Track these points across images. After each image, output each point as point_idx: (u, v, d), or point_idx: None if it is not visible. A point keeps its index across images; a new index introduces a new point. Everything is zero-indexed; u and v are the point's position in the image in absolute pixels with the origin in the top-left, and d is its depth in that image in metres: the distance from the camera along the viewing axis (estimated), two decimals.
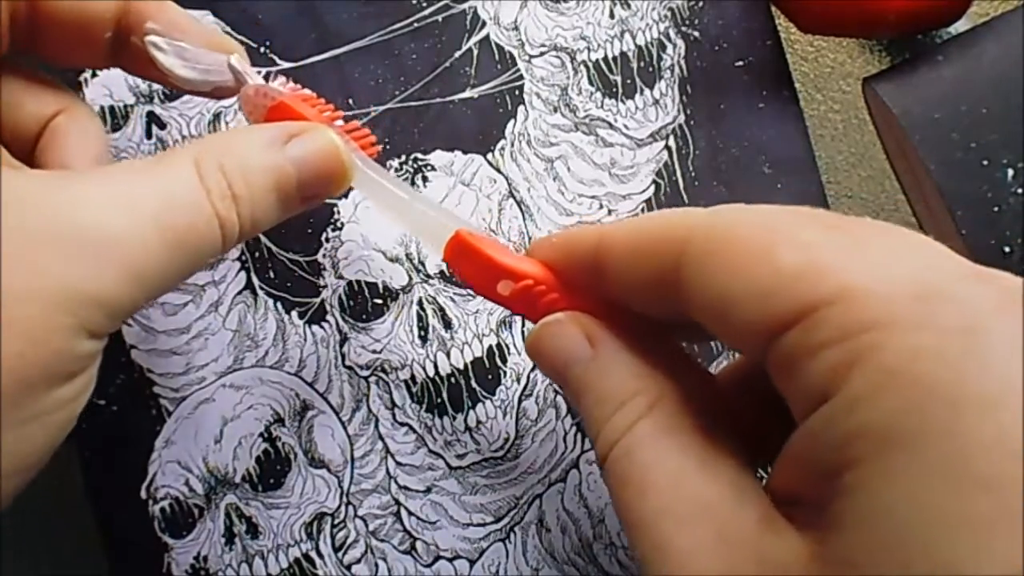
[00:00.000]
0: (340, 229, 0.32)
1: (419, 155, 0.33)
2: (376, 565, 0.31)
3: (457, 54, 0.33)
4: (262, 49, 0.33)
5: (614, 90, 0.33)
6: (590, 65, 0.33)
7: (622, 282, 0.23)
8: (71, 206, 0.22)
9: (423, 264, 0.32)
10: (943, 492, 0.15)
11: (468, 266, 0.26)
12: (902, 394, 0.16)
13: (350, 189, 0.28)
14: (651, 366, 0.22)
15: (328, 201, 0.32)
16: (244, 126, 0.28)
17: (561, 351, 0.24)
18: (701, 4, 0.33)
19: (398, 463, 0.32)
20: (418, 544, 0.31)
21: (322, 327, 0.32)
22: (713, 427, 0.21)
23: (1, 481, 0.21)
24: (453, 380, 0.32)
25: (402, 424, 0.32)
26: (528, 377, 0.32)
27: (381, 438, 0.32)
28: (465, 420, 0.32)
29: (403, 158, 0.33)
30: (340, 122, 0.27)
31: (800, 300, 0.18)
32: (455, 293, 0.32)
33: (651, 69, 0.33)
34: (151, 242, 0.22)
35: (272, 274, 0.32)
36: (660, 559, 0.19)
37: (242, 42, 0.33)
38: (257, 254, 0.32)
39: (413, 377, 0.32)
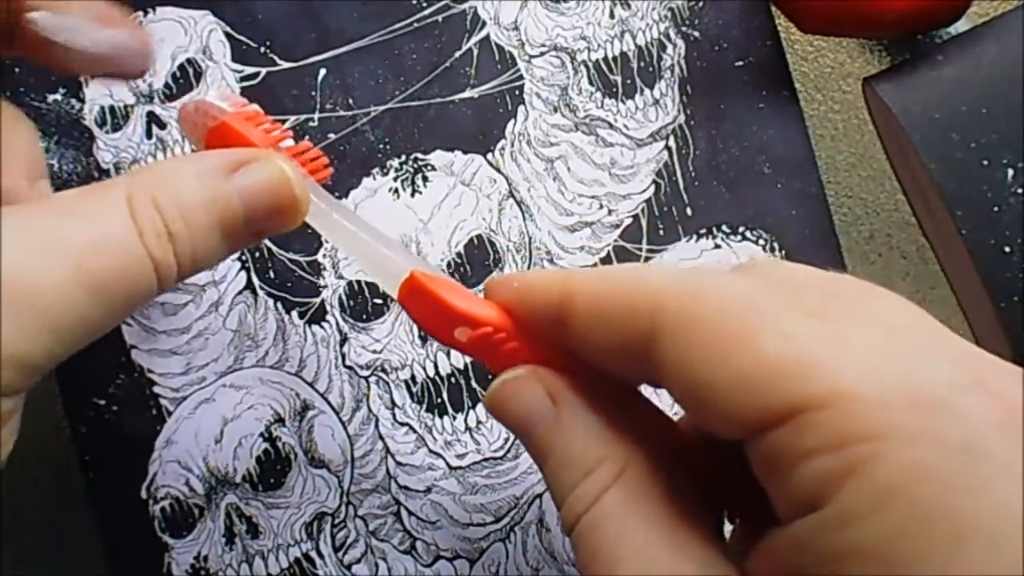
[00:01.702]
0: None
1: (419, 155, 0.33)
2: (376, 565, 0.31)
3: (457, 54, 0.33)
4: (262, 49, 0.33)
5: (614, 90, 0.33)
6: (590, 65, 0.33)
7: (587, 345, 0.21)
8: None
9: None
10: None
11: (423, 310, 0.24)
12: (900, 516, 0.15)
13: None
14: (616, 426, 0.21)
15: None
16: (185, 155, 0.26)
17: (522, 410, 0.22)
18: (701, 4, 0.33)
19: (398, 463, 0.32)
20: (418, 544, 0.31)
21: (322, 327, 0.32)
22: (680, 490, 0.21)
23: None
24: (453, 380, 0.32)
25: (402, 424, 0.32)
26: None
27: (381, 438, 0.32)
28: (465, 420, 0.32)
29: (403, 158, 0.33)
30: (290, 142, 0.26)
31: (788, 399, 0.17)
32: None
33: (651, 69, 0.33)
34: (72, 290, 0.21)
35: (272, 274, 0.32)
36: None
37: (242, 42, 0.33)
38: (257, 254, 0.32)
39: (413, 377, 0.32)
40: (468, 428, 0.32)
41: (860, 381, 0.17)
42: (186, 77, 0.33)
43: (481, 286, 0.32)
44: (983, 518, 0.15)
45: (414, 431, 0.32)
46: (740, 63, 0.33)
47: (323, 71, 0.33)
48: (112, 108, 0.33)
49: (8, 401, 0.21)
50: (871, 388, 0.16)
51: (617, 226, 0.33)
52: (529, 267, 0.32)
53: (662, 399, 0.23)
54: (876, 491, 0.16)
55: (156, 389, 0.32)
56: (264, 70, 0.33)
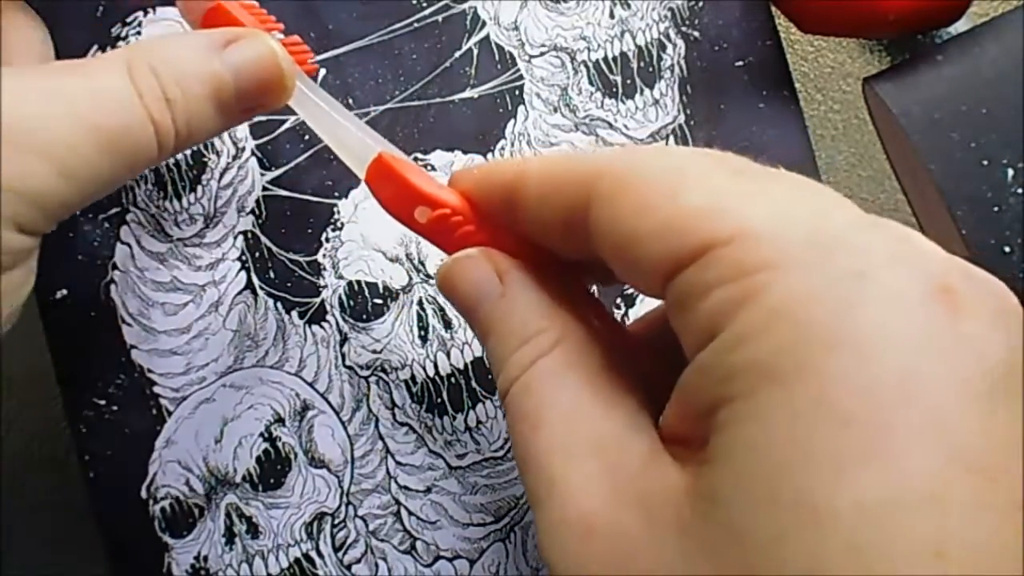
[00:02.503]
0: (340, 229, 0.32)
1: (419, 155, 0.33)
2: (376, 565, 0.31)
3: (457, 54, 0.33)
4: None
5: (614, 90, 0.33)
6: (590, 65, 0.33)
7: (534, 219, 0.23)
8: (5, 101, 0.22)
9: (423, 264, 0.32)
10: (807, 428, 0.16)
11: (388, 189, 0.25)
12: (783, 333, 0.16)
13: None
14: (559, 305, 0.22)
15: (328, 201, 0.32)
16: (174, 33, 0.27)
17: (471, 287, 0.23)
18: (701, 4, 0.33)
19: (398, 463, 0.32)
20: (418, 544, 0.31)
21: (322, 327, 0.32)
22: (614, 368, 0.21)
23: None
24: (453, 380, 0.32)
25: (402, 424, 0.32)
26: None
27: (381, 438, 0.32)
28: (465, 420, 0.32)
29: None
30: (279, 35, 0.27)
31: (698, 239, 0.18)
32: None
33: (651, 69, 0.33)
34: (82, 140, 0.22)
35: (272, 274, 0.32)
36: (547, 494, 0.19)
37: None
38: (257, 254, 0.32)
39: (413, 377, 0.32)
40: (468, 428, 0.32)
41: (765, 221, 0.18)
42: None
43: None
44: (857, 332, 0.16)
45: (414, 431, 0.32)
46: (740, 63, 0.33)
47: (323, 71, 0.33)
48: None
49: (27, 239, 0.23)
50: (774, 226, 0.18)
51: None
52: None
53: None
54: (766, 313, 0.17)
55: (156, 389, 0.32)
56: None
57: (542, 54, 0.33)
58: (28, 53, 0.26)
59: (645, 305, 0.32)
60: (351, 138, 0.27)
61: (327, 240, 0.32)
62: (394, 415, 0.32)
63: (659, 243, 0.19)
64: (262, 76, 0.25)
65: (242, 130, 0.32)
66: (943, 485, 0.15)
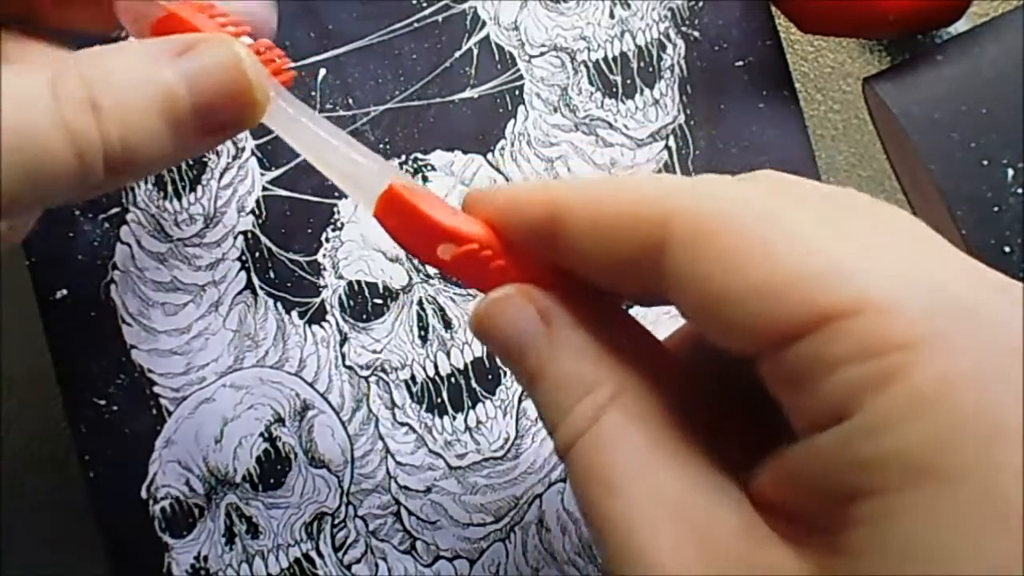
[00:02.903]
0: (340, 229, 0.32)
1: (419, 155, 0.33)
2: (376, 565, 0.31)
3: (457, 54, 0.33)
4: (262, 49, 0.33)
5: (614, 90, 0.33)
6: (590, 65, 0.33)
7: (582, 259, 0.20)
8: None
9: (423, 264, 0.32)
10: (978, 527, 0.14)
11: (403, 225, 0.22)
12: (935, 422, 0.15)
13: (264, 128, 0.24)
14: (611, 347, 0.20)
15: (328, 201, 0.32)
16: (125, 42, 0.24)
17: (511, 332, 0.21)
18: (701, 4, 0.33)
19: (398, 463, 0.32)
20: (418, 544, 0.31)
21: (322, 327, 0.32)
22: (678, 414, 0.20)
23: None
24: (453, 380, 0.32)
25: (402, 424, 0.32)
26: None
27: (381, 438, 0.32)
28: (465, 420, 0.32)
29: (403, 158, 0.33)
30: (248, 40, 0.23)
31: (813, 308, 0.16)
32: (455, 293, 0.32)
33: (651, 69, 0.33)
34: None
35: (272, 274, 0.32)
36: (635, 562, 0.18)
37: None
38: (257, 254, 0.32)
39: (413, 377, 0.32)
40: (468, 428, 0.32)
41: (888, 288, 0.16)
42: None
43: None
44: (1020, 418, 0.15)
45: (414, 431, 0.32)
46: (740, 63, 0.33)
47: (323, 71, 0.33)
48: None
49: None
50: (900, 295, 0.16)
51: None
52: None
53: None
54: (911, 398, 0.15)
55: (156, 389, 0.32)
56: None
57: (542, 54, 0.33)
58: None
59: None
60: (351, 165, 0.23)
61: (327, 240, 0.32)
62: (394, 415, 0.32)
63: (759, 306, 0.17)
64: (224, 87, 0.22)
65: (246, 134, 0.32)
66: None
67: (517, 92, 0.33)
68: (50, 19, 0.24)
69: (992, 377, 0.15)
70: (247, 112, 0.22)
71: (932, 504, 0.15)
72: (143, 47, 0.22)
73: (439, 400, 0.32)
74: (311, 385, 0.32)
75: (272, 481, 0.32)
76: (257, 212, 0.32)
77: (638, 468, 0.19)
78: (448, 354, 0.32)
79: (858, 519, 0.16)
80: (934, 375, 0.15)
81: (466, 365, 0.32)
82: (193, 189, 0.32)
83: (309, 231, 0.32)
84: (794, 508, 0.17)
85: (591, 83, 0.33)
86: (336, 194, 0.32)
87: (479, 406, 0.32)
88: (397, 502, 0.32)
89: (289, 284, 0.32)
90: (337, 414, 0.32)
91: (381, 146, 0.32)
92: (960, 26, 0.34)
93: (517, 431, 0.32)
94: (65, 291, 0.32)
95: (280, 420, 0.32)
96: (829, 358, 0.16)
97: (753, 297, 0.17)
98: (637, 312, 0.27)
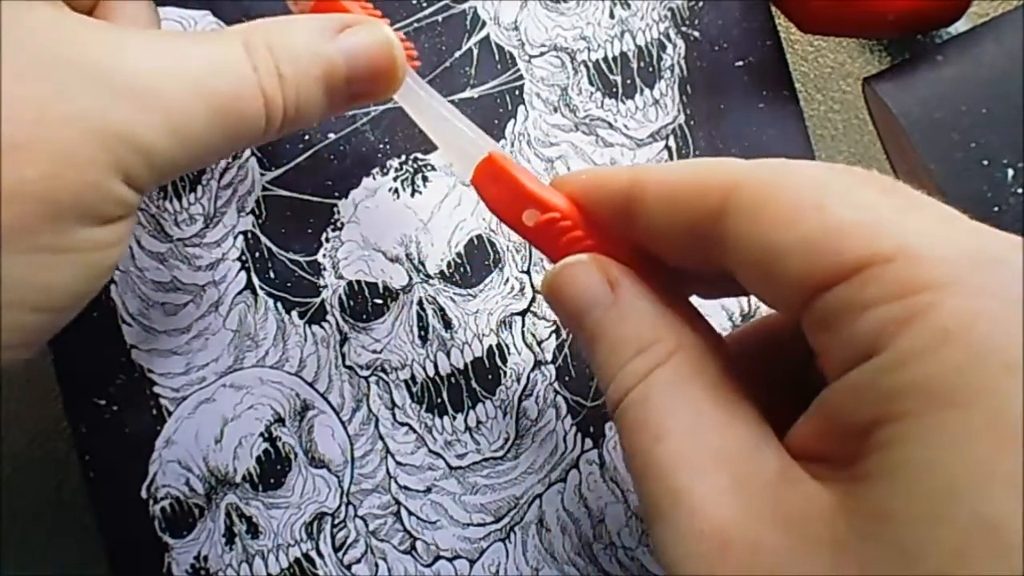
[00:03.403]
0: (340, 229, 0.32)
1: (419, 155, 0.33)
2: (376, 565, 0.31)
3: (457, 54, 0.33)
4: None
5: (614, 90, 0.33)
6: (590, 65, 0.33)
7: (655, 229, 0.22)
8: (119, 52, 0.22)
9: (423, 264, 0.32)
10: (991, 449, 0.15)
11: (496, 190, 0.25)
12: (957, 353, 0.16)
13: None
14: (672, 315, 0.22)
15: (328, 201, 0.32)
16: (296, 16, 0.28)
17: (580, 294, 0.23)
18: (701, 4, 0.33)
19: (398, 463, 0.32)
20: (418, 544, 0.31)
21: (322, 327, 0.32)
22: (729, 380, 0.21)
23: (23, 314, 0.21)
24: (453, 380, 0.32)
25: (402, 424, 0.32)
26: (528, 377, 0.32)
27: (381, 438, 0.32)
28: (465, 420, 0.32)
29: (403, 158, 0.33)
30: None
31: (854, 255, 0.18)
32: (455, 293, 0.32)
33: (651, 69, 0.33)
34: (193, 102, 0.22)
35: (272, 274, 0.32)
36: (672, 506, 0.19)
37: None
38: (257, 254, 0.32)
39: (413, 377, 0.32)
40: (468, 428, 0.32)
41: (924, 240, 0.17)
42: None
43: (480, 286, 0.32)
44: None
45: (414, 431, 0.32)
46: (740, 63, 0.33)
47: None
48: None
49: (130, 193, 0.22)
50: (934, 246, 0.17)
51: None
52: (529, 268, 0.32)
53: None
54: (935, 333, 0.16)
55: (156, 389, 0.32)
56: None
57: (542, 54, 0.33)
58: (138, 23, 0.27)
59: None
60: (459, 136, 0.26)
61: (327, 240, 0.32)
62: (394, 415, 0.32)
63: (806, 257, 0.18)
64: (375, 63, 0.25)
65: None
66: None
67: (517, 92, 0.33)
68: None
69: (1010, 317, 0.16)
70: (388, 84, 0.26)
71: (947, 426, 0.16)
72: (312, 22, 0.25)
73: (439, 400, 0.32)
74: (311, 385, 0.32)
75: (272, 481, 0.32)
76: (257, 212, 0.32)
77: (685, 417, 0.20)
78: (448, 354, 0.32)
79: (878, 444, 0.17)
80: (957, 312, 0.16)
81: (466, 365, 0.32)
82: (193, 189, 0.32)
83: (309, 231, 0.32)
84: (825, 448, 0.18)
85: (591, 83, 0.33)
86: (336, 194, 0.32)
87: (479, 406, 0.32)
88: (397, 502, 0.32)
89: (289, 284, 0.32)
90: (337, 414, 0.32)
91: (381, 146, 0.32)
92: (960, 26, 0.34)
93: (517, 431, 0.32)
94: None
95: (280, 420, 0.32)
96: (863, 300, 0.17)
97: (802, 248, 0.18)
98: None
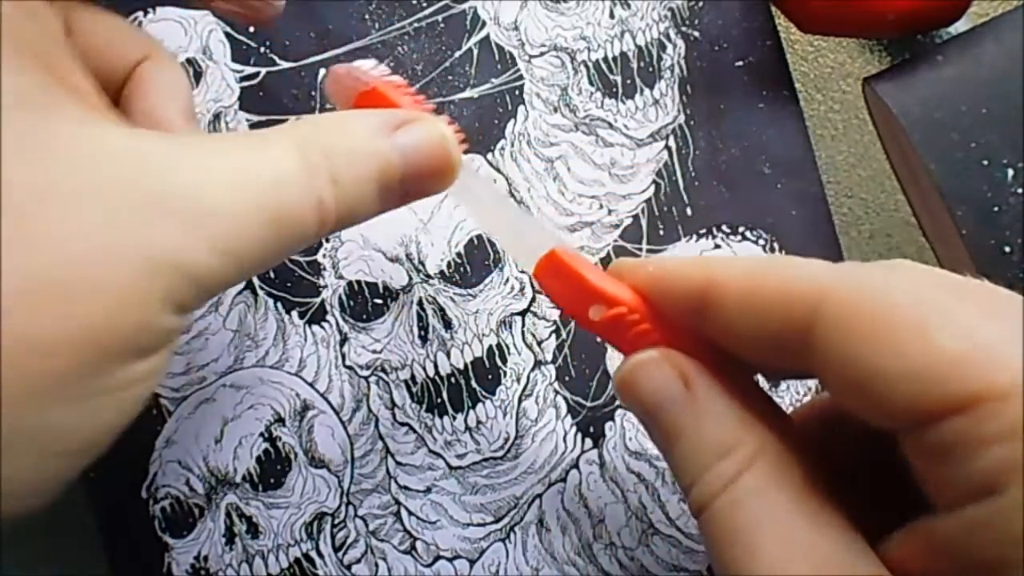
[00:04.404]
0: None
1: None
2: (376, 565, 0.31)
3: (457, 54, 0.33)
4: (262, 49, 0.33)
5: (614, 90, 0.33)
6: (590, 65, 0.33)
7: (732, 331, 0.22)
8: (171, 171, 0.20)
9: (423, 264, 0.32)
10: None
11: (560, 286, 0.25)
12: None
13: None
14: (750, 413, 0.22)
15: None
16: (344, 111, 0.26)
17: (654, 391, 0.22)
18: (701, 4, 0.33)
19: (398, 463, 0.32)
20: (418, 544, 0.31)
21: (322, 327, 0.32)
22: (816, 481, 0.21)
23: (52, 460, 0.19)
24: (453, 380, 0.32)
25: (402, 424, 0.32)
26: (528, 377, 0.32)
27: (381, 438, 0.32)
28: (465, 420, 0.32)
29: None
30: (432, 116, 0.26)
31: (969, 388, 0.17)
32: (455, 293, 0.32)
33: (651, 69, 0.33)
34: (250, 219, 0.21)
35: (272, 274, 0.32)
36: None
37: (242, 42, 0.33)
38: None
39: (413, 377, 0.32)
40: (468, 428, 0.32)
41: None
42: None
43: (480, 286, 0.32)
44: None
45: (414, 431, 0.32)
46: (740, 63, 0.33)
47: (323, 71, 0.33)
48: None
49: (178, 319, 0.21)
50: None
51: (617, 226, 0.33)
52: None
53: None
54: None
55: (156, 389, 0.32)
56: (264, 70, 0.33)
57: (542, 54, 0.33)
58: (174, 101, 0.25)
59: None
60: (518, 230, 0.26)
61: (327, 240, 0.32)
62: (394, 415, 0.32)
63: (913, 387, 0.18)
64: (430, 162, 0.24)
65: (243, 129, 0.32)
66: None
67: (517, 92, 0.33)
68: None
69: None
70: (443, 182, 0.25)
71: None
72: (369, 120, 0.24)
73: (439, 400, 0.32)
74: (311, 385, 0.32)
75: (272, 481, 0.32)
76: None
77: (781, 527, 0.20)
78: (448, 354, 0.32)
79: None
80: None
81: (466, 365, 0.32)
82: None
83: None
84: (931, 571, 0.19)
85: (591, 83, 0.33)
86: None
87: (479, 406, 0.32)
88: (397, 502, 0.32)
89: (289, 284, 0.32)
90: (337, 414, 0.32)
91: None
92: (960, 26, 0.34)
93: (517, 431, 0.32)
94: None
95: (280, 420, 0.32)
96: (981, 436, 0.17)
97: (907, 377, 0.18)
98: None
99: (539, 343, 0.32)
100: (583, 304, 0.24)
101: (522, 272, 0.32)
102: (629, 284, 0.24)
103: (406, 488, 0.32)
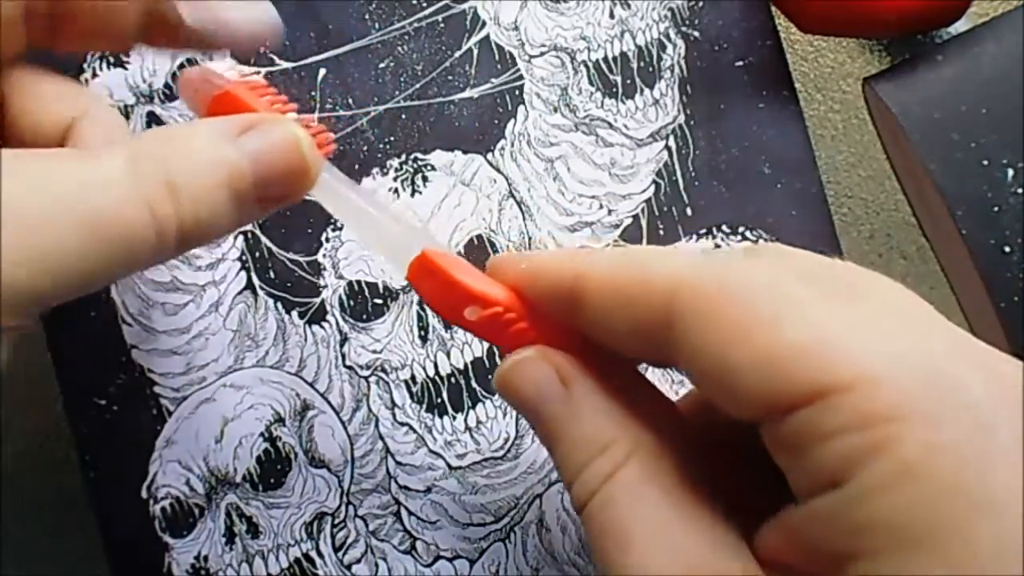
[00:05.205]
0: (340, 229, 0.32)
1: (419, 155, 0.33)
2: (376, 565, 0.31)
3: (457, 54, 0.33)
4: (262, 49, 0.33)
5: (614, 90, 0.33)
6: (590, 65, 0.33)
7: (600, 325, 0.22)
8: None
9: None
10: None
11: (433, 288, 0.24)
12: (919, 491, 0.16)
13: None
14: (626, 408, 0.22)
15: None
16: (193, 120, 0.26)
17: (532, 391, 0.22)
18: (701, 4, 0.33)
19: (398, 463, 0.32)
20: (418, 544, 0.31)
21: (322, 327, 0.32)
22: (692, 474, 0.21)
23: None
24: (453, 380, 0.32)
25: (402, 424, 0.32)
26: None
27: (381, 438, 0.32)
28: (465, 420, 0.32)
29: (403, 158, 0.33)
30: (293, 115, 0.25)
31: (814, 381, 0.17)
32: None
33: (651, 69, 0.33)
34: (65, 227, 0.20)
35: (272, 274, 0.32)
36: None
37: None
38: (257, 254, 0.32)
39: (413, 377, 0.32)
40: (468, 428, 0.32)
41: (880, 364, 0.17)
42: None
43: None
44: (992, 487, 0.16)
45: (414, 431, 0.32)
46: (740, 63, 0.33)
47: (323, 71, 0.33)
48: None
49: None
50: (890, 371, 0.17)
51: (617, 226, 0.33)
52: None
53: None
54: (897, 468, 0.17)
55: (156, 389, 0.32)
56: (264, 70, 0.33)
57: (542, 54, 0.33)
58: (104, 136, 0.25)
59: None
60: (387, 232, 0.25)
61: (327, 240, 0.32)
62: (394, 415, 0.32)
63: (761, 379, 0.18)
64: (283, 164, 0.23)
65: None
66: None
67: (517, 92, 0.33)
68: (70, 46, 0.25)
69: (969, 451, 0.16)
70: (301, 186, 0.24)
71: (916, 568, 0.16)
72: (209, 127, 0.23)
73: (439, 400, 0.32)
74: (311, 385, 0.32)
75: (272, 481, 0.32)
76: None
77: (652, 524, 0.20)
78: (448, 354, 0.32)
79: None
80: (918, 446, 0.17)
81: (466, 365, 0.32)
82: None
83: (309, 231, 0.32)
84: (792, 562, 0.19)
85: (591, 83, 0.33)
86: None
87: (479, 406, 0.32)
88: (397, 502, 0.32)
89: (289, 284, 0.32)
90: (337, 414, 0.32)
91: (381, 145, 0.33)
92: (960, 26, 0.34)
93: (517, 431, 0.32)
94: None
95: (280, 420, 0.32)
96: (826, 428, 0.17)
97: (756, 369, 0.18)
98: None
99: None
100: (458, 306, 0.23)
101: None
102: (505, 282, 0.24)
103: (406, 488, 0.32)
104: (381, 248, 0.26)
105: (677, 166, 0.33)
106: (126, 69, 0.32)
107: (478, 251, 0.32)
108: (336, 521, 0.32)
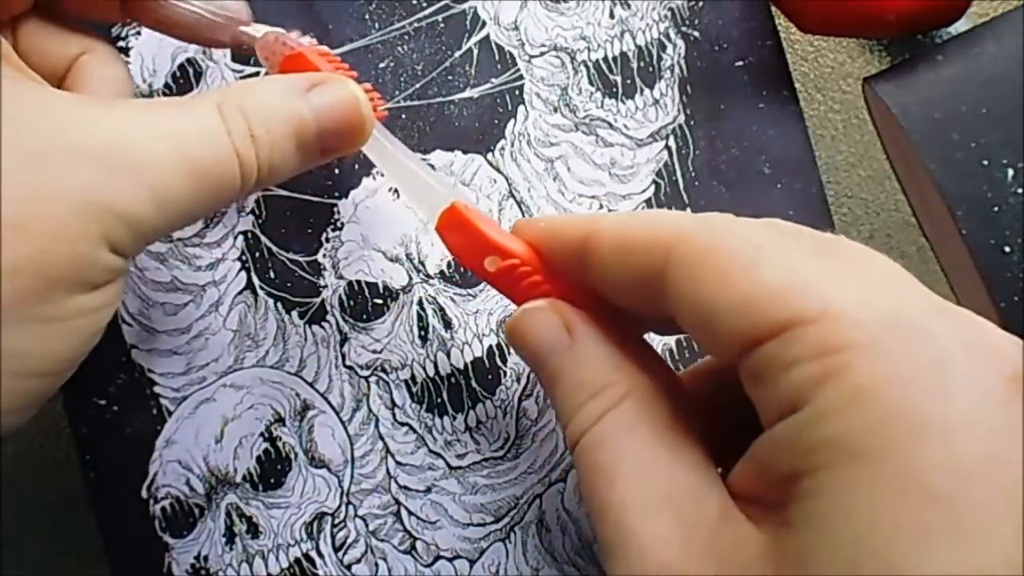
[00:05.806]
0: (340, 229, 0.32)
1: (419, 155, 0.33)
2: (376, 565, 0.31)
3: (457, 54, 0.33)
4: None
5: (614, 90, 0.33)
6: (590, 65, 0.33)
7: (606, 278, 0.23)
8: (99, 124, 0.23)
9: (423, 264, 0.32)
10: (896, 503, 0.17)
11: (459, 238, 0.27)
12: (867, 413, 0.17)
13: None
14: (625, 359, 0.23)
15: (328, 201, 0.32)
16: (267, 77, 0.29)
17: (539, 338, 0.24)
18: (701, 4, 0.33)
19: (398, 463, 0.32)
20: (418, 544, 0.31)
21: (322, 327, 0.32)
22: (679, 421, 0.22)
23: (22, 381, 0.22)
24: (453, 380, 0.32)
25: (402, 424, 0.32)
26: (528, 377, 0.32)
27: (381, 438, 0.32)
28: (465, 420, 0.32)
29: None
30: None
31: (780, 316, 0.19)
32: (455, 293, 0.32)
33: (651, 69, 0.33)
34: (173, 169, 0.23)
35: (272, 274, 0.32)
36: (622, 545, 0.20)
37: None
38: (257, 254, 0.32)
39: (413, 377, 0.32)
40: (468, 428, 0.32)
41: (846, 303, 0.19)
42: (186, 77, 0.33)
43: (481, 286, 0.32)
44: (945, 413, 0.17)
45: (414, 431, 0.32)
46: (740, 63, 0.33)
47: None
48: None
49: (116, 259, 0.23)
50: (855, 309, 0.18)
51: None
52: None
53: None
54: (850, 392, 0.18)
55: (156, 389, 0.32)
56: (263, 70, 0.33)
57: (542, 54, 0.33)
58: (112, 90, 0.27)
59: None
60: (423, 186, 0.28)
61: (327, 240, 0.32)
62: (394, 415, 0.32)
63: (739, 318, 0.19)
64: (343, 119, 0.26)
65: None
66: (1020, 563, 0.16)
67: (517, 92, 0.33)
68: (68, 8, 0.28)
69: (918, 381, 0.17)
70: (357, 138, 0.27)
71: (858, 480, 0.17)
72: (282, 83, 0.26)
73: (439, 400, 0.32)
74: (311, 385, 0.32)
75: (272, 481, 0.32)
76: (257, 212, 0.32)
77: (637, 462, 0.21)
78: (448, 354, 0.32)
79: (800, 494, 0.18)
80: (870, 374, 0.18)
81: (466, 365, 0.32)
82: None
83: (309, 231, 0.32)
84: (758, 492, 0.20)
85: (591, 83, 0.33)
86: (336, 194, 0.32)
87: (479, 406, 0.32)
88: (397, 502, 0.32)
89: (289, 284, 0.32)
90: (337, 414, 0.32)
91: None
92: (960, 26, 0.34)
93: (517, 431, 0.32)
94: None
95: (280, 420, 0.32)
96: (787, 358, 0.19)
97: (734, 308, 0.20)
98: None
99: None
100: (480, 256, 0.26)
101: None
102: (524, 239, 0.26)
103: (406, 488, 0.32)
104: (417, 198, 0.28)
105: (677, 166, 0.33)
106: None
107: None
108: (336, 521, 0.32)
